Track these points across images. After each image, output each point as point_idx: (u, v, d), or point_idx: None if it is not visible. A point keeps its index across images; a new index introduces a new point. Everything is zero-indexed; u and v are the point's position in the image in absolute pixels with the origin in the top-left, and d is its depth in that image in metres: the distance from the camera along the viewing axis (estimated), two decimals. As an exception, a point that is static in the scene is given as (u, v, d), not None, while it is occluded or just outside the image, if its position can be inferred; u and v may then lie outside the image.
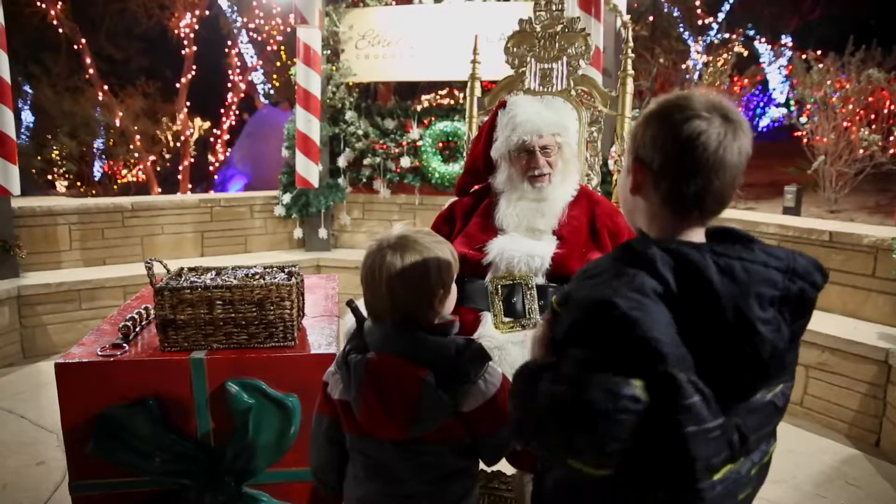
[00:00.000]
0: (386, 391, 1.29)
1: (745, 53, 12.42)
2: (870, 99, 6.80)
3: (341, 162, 5.70)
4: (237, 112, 12.24)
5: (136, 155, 11.39)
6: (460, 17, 5.34)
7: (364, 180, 5.77)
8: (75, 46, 10.67)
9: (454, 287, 1.41)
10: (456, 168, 5.39)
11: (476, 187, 2.37)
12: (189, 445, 1.99)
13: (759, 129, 13.68)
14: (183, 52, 11.04)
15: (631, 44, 2.40)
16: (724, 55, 9.44)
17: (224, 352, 2.00)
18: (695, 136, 0.98)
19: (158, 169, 11.82)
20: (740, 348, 0.93)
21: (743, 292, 0.93)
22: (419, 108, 5.97)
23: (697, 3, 12.39)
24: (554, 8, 2.44)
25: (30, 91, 11.72)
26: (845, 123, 6.75)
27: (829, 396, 3.44)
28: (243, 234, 5.69)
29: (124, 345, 2.04)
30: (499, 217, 2.10)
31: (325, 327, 2.25)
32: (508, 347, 1.92)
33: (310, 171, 5.34)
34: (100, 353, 1.98)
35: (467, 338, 1.40)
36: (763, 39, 14.34)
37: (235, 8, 11.57)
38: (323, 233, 5.67)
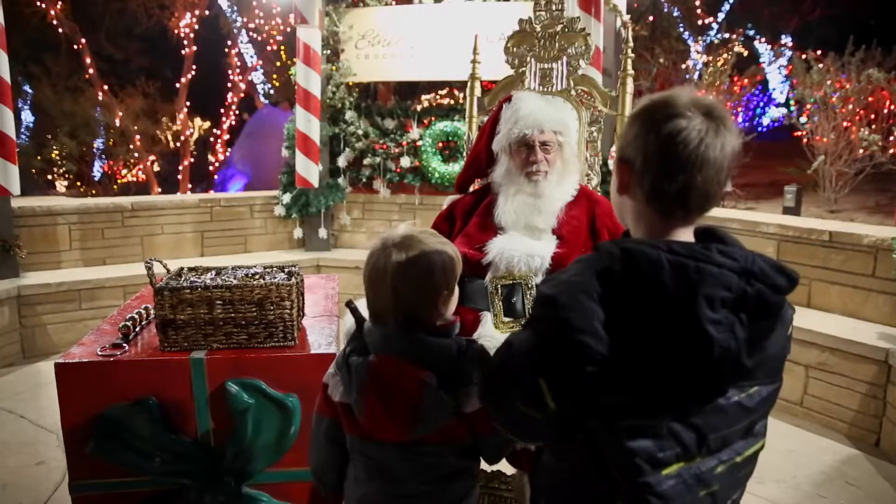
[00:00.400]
0: (387, 394, 1.29)
1: (745, 53, 12.42)
2: (870, 99, 6.80)
3: (341, 162, 5.70)
4: (237, 112, 12.24)
5: (136, 155, 11.39)
6: (460, 17, 5.35)
7: (364, 180, 5.77)
8: (75, 46, 10.68)
9: (457, 288, 1.41)
10: (456, 168, 5.39)
11: (476, 187, 2.38)
12: (189, 445, 1.99)
13: (759, 129, 13.66)
14: (183, 52, 11.04)
15: (631, 44, 2.40)
16: (724, 55, 9.43)
17: (224, 352, 2.00)
18: (675, 133, 0.99)
19: (158, 169, 11.82)
20: (689, 347, 0.95)
21: (692, 292, 0.94)
22: (419, 108, 5.98)
23: (697, 3, 12.39)
24: (554, 8, 2.44)
25: (30, 91, 11.73)
26: (845, 123, 6.76)
27: (829, 396, 3.44)
28: (243, 234, 5.69)
29: (124, 345, 2.04)
30: (497, 213, 2.10)
31: (325, 327, 2.25)
32: (508, 347, 1.92)
33: (310, 170, 5.34)
34: (100, 353, 1.98)
35: (468, 339, 1.39)
36: (763, 39, 14.34)
37: (235, 8, 11.57)
38: (323, 233, 5.67)
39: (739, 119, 10.78)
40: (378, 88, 7.52)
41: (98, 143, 11.80)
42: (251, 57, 12.33)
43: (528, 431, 1.11)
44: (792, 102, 7.96)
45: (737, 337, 0.96)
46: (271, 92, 13.12)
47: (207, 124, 12.68)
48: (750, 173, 8.61)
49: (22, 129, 11.60)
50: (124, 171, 11.79)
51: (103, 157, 11.91)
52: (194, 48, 11.06)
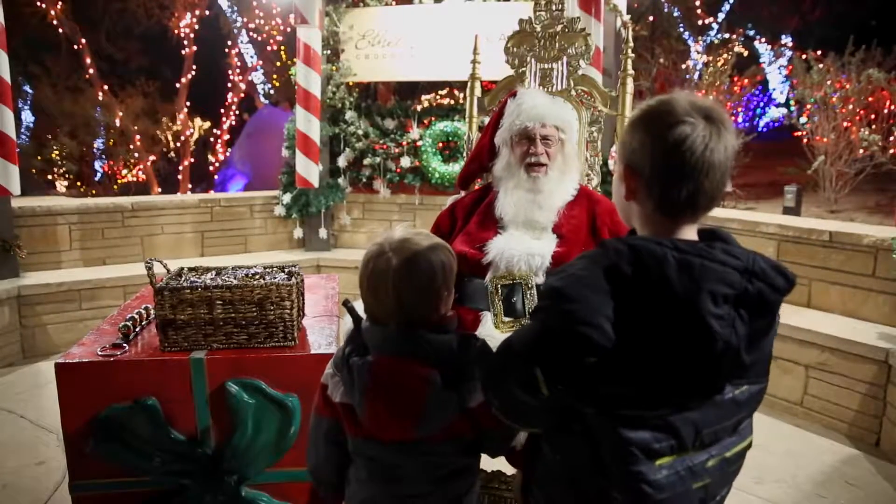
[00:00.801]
0: (391, 394, 1.29)
1: (745, 53, 12.42)
2: (870, 99, 6.80)
3: (341, 162, 5.70)
4: (237, 112, 12.25)
5: (136, 155, 11.39)
6: (460, 17, 5.34)
7: (364, 180, 5.77)
8: (75, 46, 10.68)
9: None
10: (456, 168, 5.39)
11: (477, 187, 2.38)
12: (189, 445, 1.99)
13: (759, 129, 13.66)
14: (183, 52, 11.05)
15: (631, 44, 2.40)
16: (724, 55, 9.43)
17: (224, 352, 2.00)
18: (681, 141, 1.01)
19: (158, 169, 11.83)
20: (691, 341, 0.98)
21: (696, 287, 0.97)
22: (419, 108, 5.97)
23: (697, 3, 12.39)
24: (554, 8, 2.44)
25: (30, 91, 11.73)
26: (845, 123, 6.76)
27: (829, 396, 3.44)
28: (243, 234, 5.69)
29: (124, 345, 2.04)
30: (498, 208, 2.11)
31: (325, 327, 2.25)
32: (509, 347, 1.92)
33: (310, 171, 5.34)
34: (100, 353, 1.98)
35: (469, 334, 1.40)
36: (763, 39, 14.34)
37: (235, 8, 11.57)
38: (323, 233, 5.67)
39: (739, 119, 10.77)
40: (378, 88, 7.52)
41: (98, 144, 11.81)
42: (251, 57, 12.34)
43: (522, 416, 1.14)
44: (792, 102, 7.97)
45: (737, 332, 1.00)
46: (271, 92, 13.12)
47: (207, 124, 12.68)
48: (750, 173, 8.61)
49: (22, 129, 11.61)
50: (124, 172, 11.80)
51: (103, 157, 11.91)
52: (194, 48, 11.06)
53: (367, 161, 5.69)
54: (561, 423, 1.09)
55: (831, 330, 3.45)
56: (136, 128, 11.12)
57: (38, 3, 9.91)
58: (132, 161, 11.64)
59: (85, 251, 4.98)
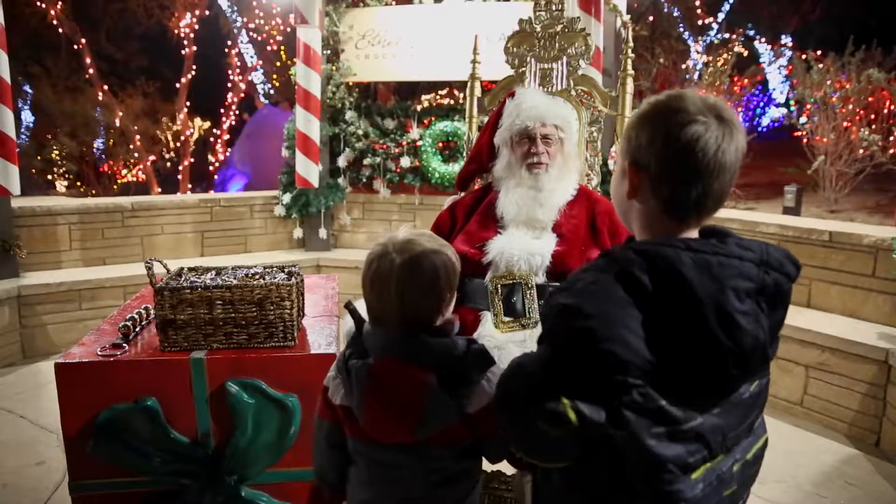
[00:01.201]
0: (390, 397, 1.28)
1: (745, 53, 12.41)
2: (870, 99, 6.80)
3: (341, 162, 5.70)
4: (237, 112, 12.23)
5: (136, 155, 11.39)
6: (460, 17, 5.35)
7: (364, 180, 5.77)
8: (75, 46, 10.67)
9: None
10: (456, 168, 5.39)
11: (476, 187, 2.38)
12: (189, 445, 1.99)
13: (759, 129, 13.66)
14: (183, 52, 11.04)
15: (631, 44, 2.41)
16: (724, 55, 9.43)
17: (224, 352, 2.00)
18: (693, 140, 0.97)
19: (158, 169, 11.82)
20: (721, 343, 0.94)
21: (720, 286, 0.94)
22: (419, 108, 5.98)
23: (697, 3, 12.39)
24: (554, 8, 2.44)
25: (30, 91, 11.72)
26: (845, 123, 6.76)
27: (829, 396, 3.44)
28: (243, 234, 5.69)
29: (124, 345, 2.04)
30: (499, 207, 2.11)
31: (325, 327, 2.25)
32: (509, 347, 1.92)
33: (310, 171, 5.34)
34: (100, 353, 1.98)
35: (470, 338, 1.39)
36: (763, 39, 14.34)
37: (235, 8, 11.56)
38: (323, 233, 5.67)
39: (739, 119, 10.76)
40: (378, 88, 7.52)
41: (98, 144, 11.80)
42: (251, 57, 12.33)
43: (550, 451, 1.02)
44: (792, 102, 7.96)
45: (763, 327, 0.97)
46: (271, 92, 13.11)
47: (207, 124, 12.68)
48: (750, 173, 8.61)
49: (22, 129, 11.60)
50: (124, 172, 11.79)
51: (103, 157, 11.91)
52: (194, 48, 11.05)
53: (367, 161, 5.70)
54: (584, 450, 0.99)
55: (831, 330, 3.45)
56: (136, 128, 11.12)
57: (38, 3, 9.90)
58: (132, 161, 11.64)
59: (85, 251, 4.98)
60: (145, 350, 2.04)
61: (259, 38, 11.76)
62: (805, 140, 7.18)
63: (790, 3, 14.22)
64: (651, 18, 11.64)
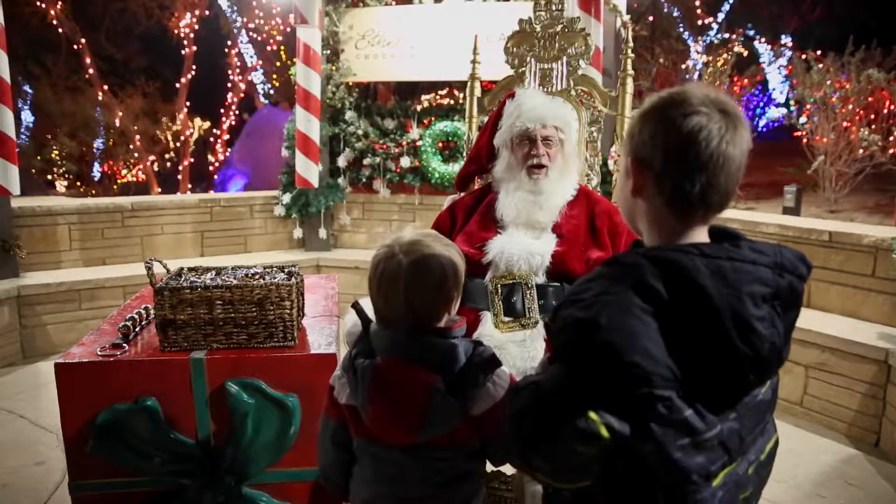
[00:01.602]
0: (394, 397, 1.28)
1: (745, 53, 12.41)
2: (870, 99, 6.80)
3: (341, 162, 5.70)
4: (237, 112, 12.24)
5: (136, 155, 11.39)
6: (460, 17, 5.35)
7: (364, 180, 5.77)
8: (75, 46, 10.67)
9: None
10: (456, 168, 5.38)
11: (475, 188, 2.38)
12: (189, 445, 1.99)
13: (759, 129, 13.66)
14: (183, 52, 11.04)
15: (631, 44, 2.41)
16: (724, 55, 9.43)
17: (224, 352, 2.00)
18: (696, 131, 0.96)
19: (157, 169, 11.82)
20: (739, 350, 0.92)
21: (736, 293, 0.92)
22: (419, 108, 5.98)
23: (697, 3, 12.39)
24: (554, 8, 2.44)
25: (30, 91, 11.72)
26: (845, 123, 6.75)
27: (829, 396, 3.44)
28: (243, 234, 5.69)
29: (124, 345, 2.04)
30: (499, 209, 2.11)
31: (325, 327, 2.25)
32: (509, 347, 1.93)
33: (310, 171, 5.34)
34: (100, 353, 1.98)
35: (476, 340, 1.39)
36: (763, 39, 14.33)
37: (235, 8, 11.56)
38: (323, 233, 5.67)
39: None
40: (378, 88, 7.52)
41: (98, 144, 11.80)
42: (251, 57, 12.33)
43: (578, 471, 0.96)
44: (792, 102, 7.96)
45: (778, 330, 0.96)
46: (271, 92, 13.11)
47: (207, 124, 12.68)
48: (750, 173, 8.48)
49: (22, 129, 11.60)
50: (124, 172, 11.79)
51: (103, 157, 11.91)
52: (194, 48, 11.05)
53: (366, 161, 5.70)
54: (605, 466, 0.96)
55: (831, 330, 3.45)
56: (136, 128, 11.12)
57: (38, 3, 9.90)
58: (132, 161, 11.64)
59: (85, 251, 4.98)
60: (145, 350, 2.04)
61: (259, 38, 11.76)
62: (805, 140, 7.18)
63: (790, 3, 14.22)
64: (651, 18, 11.64)
